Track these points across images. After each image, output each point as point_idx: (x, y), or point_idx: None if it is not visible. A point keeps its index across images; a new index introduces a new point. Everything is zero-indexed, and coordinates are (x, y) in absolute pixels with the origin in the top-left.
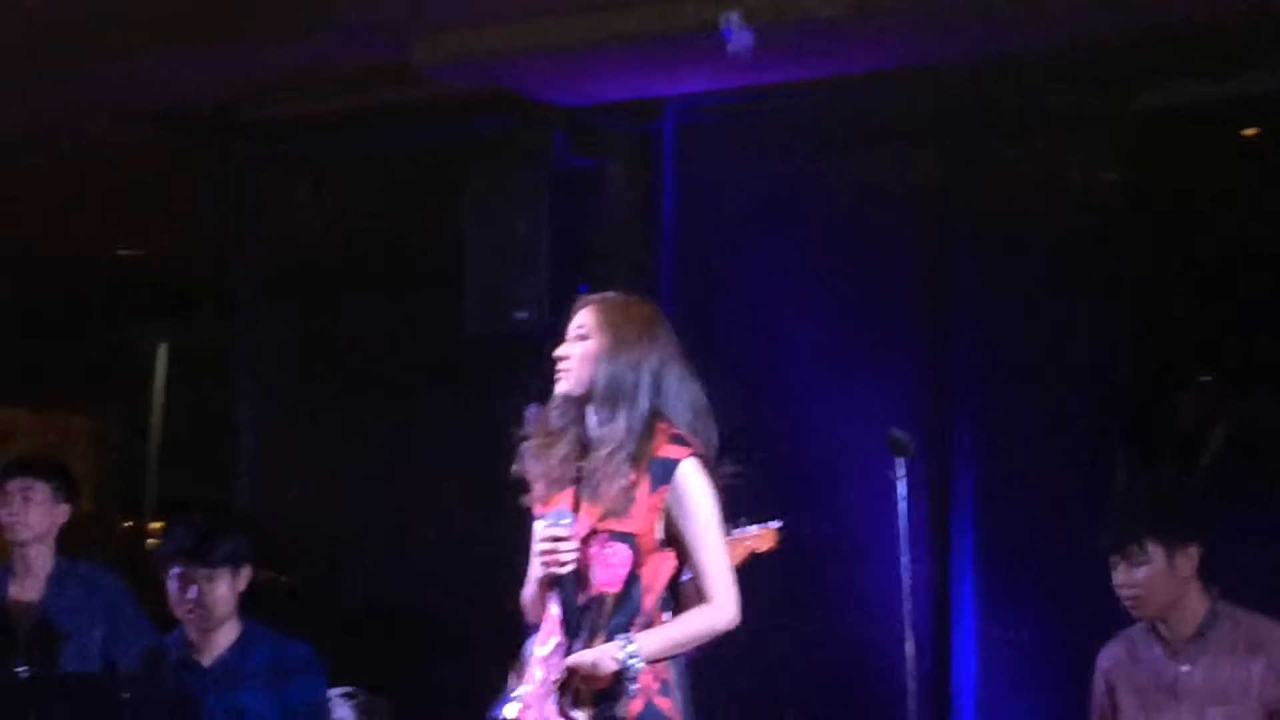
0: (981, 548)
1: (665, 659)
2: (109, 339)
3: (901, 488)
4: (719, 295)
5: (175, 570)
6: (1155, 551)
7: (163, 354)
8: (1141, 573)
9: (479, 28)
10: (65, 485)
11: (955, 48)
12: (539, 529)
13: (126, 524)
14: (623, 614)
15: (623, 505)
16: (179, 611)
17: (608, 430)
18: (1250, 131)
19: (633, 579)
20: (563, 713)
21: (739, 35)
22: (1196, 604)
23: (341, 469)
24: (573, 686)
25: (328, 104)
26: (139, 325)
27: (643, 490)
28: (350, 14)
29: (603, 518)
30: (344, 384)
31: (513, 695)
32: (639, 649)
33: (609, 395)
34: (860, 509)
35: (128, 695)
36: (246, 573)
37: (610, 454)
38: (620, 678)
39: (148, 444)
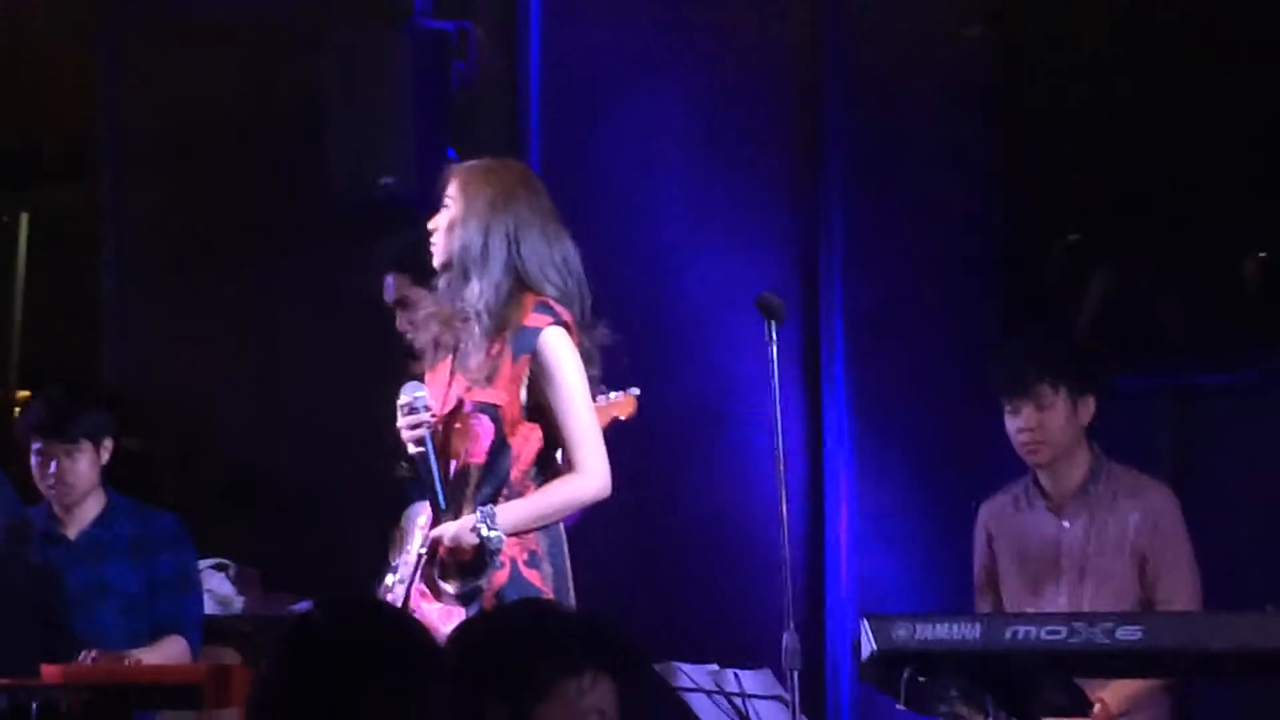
0: (855, 407)
1: (531, 530)
2: None
3: (772, 350)
4: (587, 159)
5: (36, 445)
6: (1061, 396)
7: (24, 223)
8: (1045, 416)
9: None
10: None
11: None
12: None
13: None
14: (489, 485)
15: (485, 375)
16: (41, 486)
17: (466, 299)
18: None
19: (499, 449)
20: (430, 584)
21: None
22: (1082, 458)
23: (207, 337)
24: (439, 558)
25: None
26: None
27: (505, 359)
28: None
29: (469, 388)
30: (209, 251)
31: (395, 567)
32: (498, 520)
33: (461, 263)
34: (732, 372)
35: None
36: (108, 445)
37: (467, 323)
38: (481, 550)
39: (11, 315)
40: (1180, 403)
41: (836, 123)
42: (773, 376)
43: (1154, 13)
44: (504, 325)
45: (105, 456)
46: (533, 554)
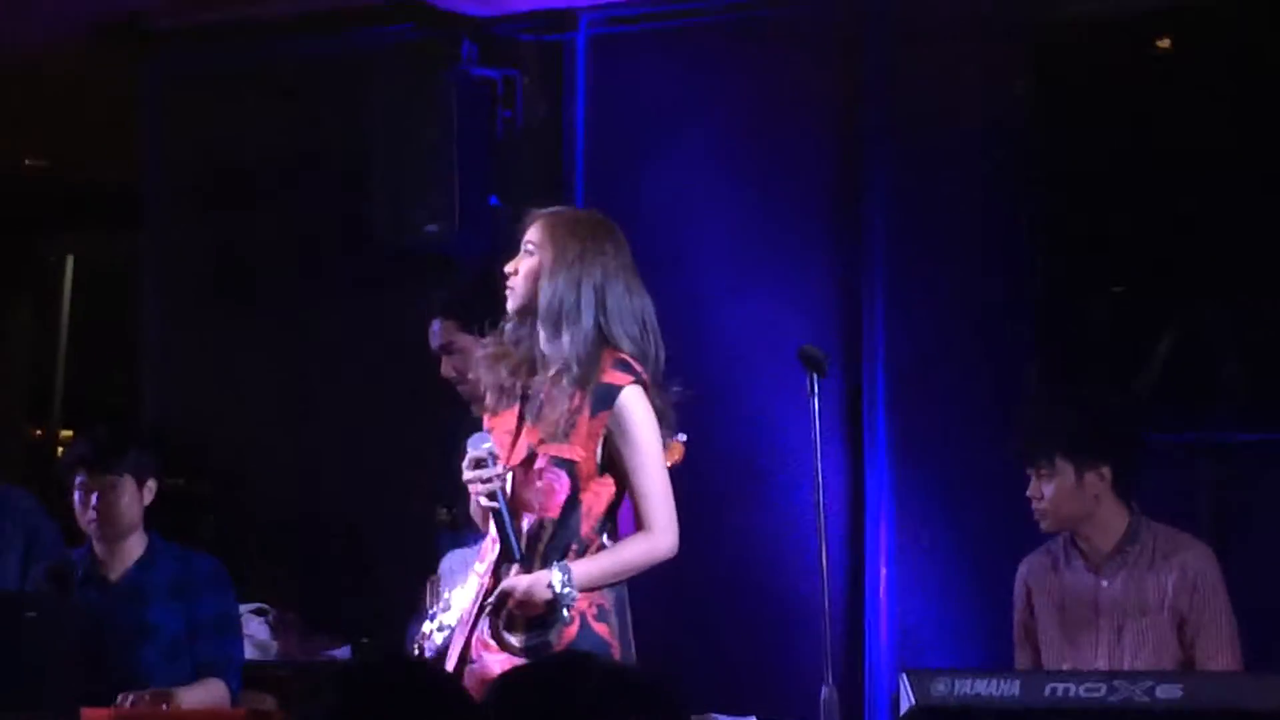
0: (895, 458)
1: (601, 586)
2: (15, 250)
3: (814, 402)
4: (630, 208)
5: (79, 479)
6: (1064, 467)
7: (70, 264)
8: (1049, 487)
9: None
10: None
11: None
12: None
13: (37, 433)
14: (560, 540)
15: (564, 430)
16: (83, 522)
17: (553, 350)
18: (1163, 44)
19: (571, 505)
20: (496, 636)
21: None
22: (1115, 520)
23: (249, 380)
24: (506, 610)
25: (236, 12)
26: (46, 235)
27: (584, 415)
28: None
29: (543, 441)
30: (253, 294)
31: (432, 614)
32: (574, 577)
33: (551, 313)
34: (773, 423)
35: (33, 614)
36: (151, 485)
37: (555, 376)
38: (554, 605)
39: (56, 355)
40: (1221, 460)
41: (878, 173)
42: (814, 428)
43: (1200, 64)
44: (586, 380)
45: (148, 497)
46: (601, 608)
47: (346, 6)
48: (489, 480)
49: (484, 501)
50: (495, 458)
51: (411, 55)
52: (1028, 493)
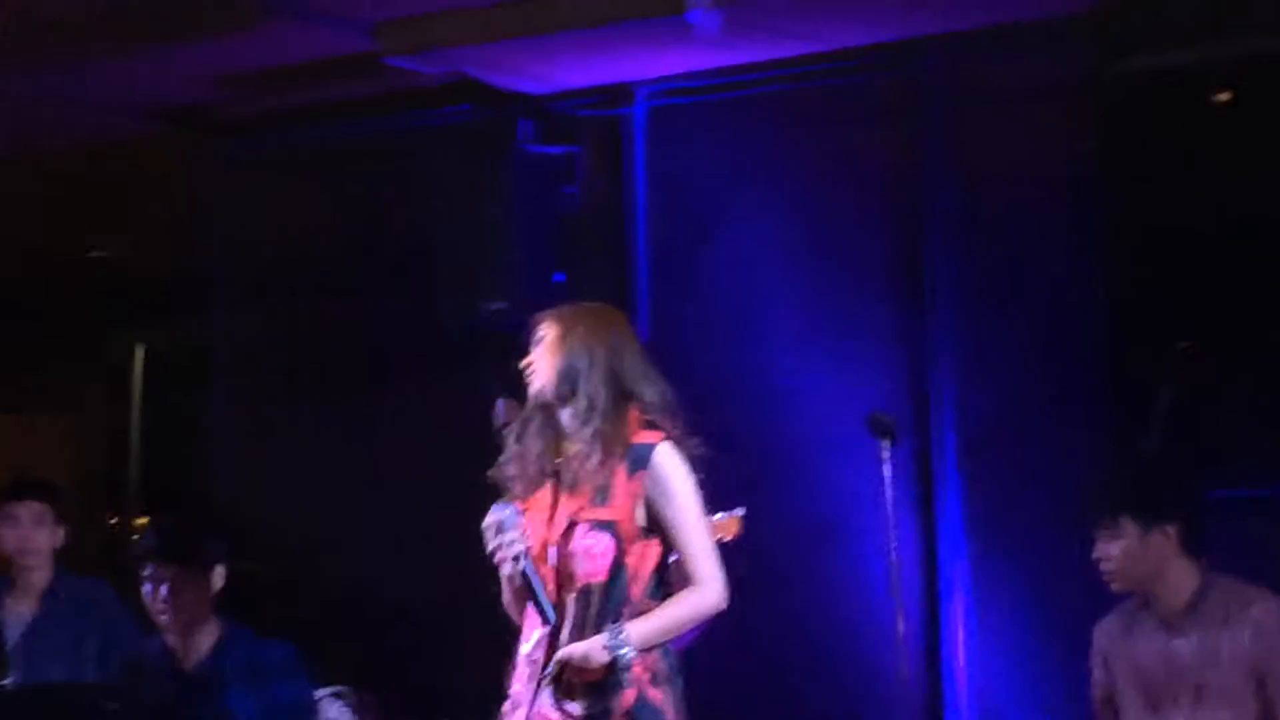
0: (969, 523)
1: (656, 647)
2: (85, 341)
3: (887, 470)
4: (695, 280)
5: (147, 570)
6: (1129, 528)
7: (140, 354)
8: (1115, 547)
9: (441, 15)
10: (62, 505)
11: (925, 20)
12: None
13: (112, 521)
14: (612, 603)
15: (601, 493)
16: (154, 613)
17: (574, 416)
18: (1224, 97)
19: (618, 568)
20: (557, 706)
21: (706, 17)
22: (1185, 578)
23: (319, 462)
24: (564, 680)
25: (295, 99)
26: (116, 326)
27: (619, 477)
28: (316, 5)
29: (582, 508)
30: (320, 378)
31: (511, 694)
32: (629, 638)
33: (569, 377)
34: (844, 490)
35: (114, 705)
36: (220, 572)
37: (584, 443)
38: (612, 669)
39: (129, 443)
40: None
41: (942, 236)
42: (886, 494)
43: (1264, 119)
44: (615, 442)
45: (218, 583)
46: (655, 674)
47: (405, 88)
48: (513, 543)
49: (509, 568)
50: (518, 516)
51: (470, 135)
52: (1095, 554)
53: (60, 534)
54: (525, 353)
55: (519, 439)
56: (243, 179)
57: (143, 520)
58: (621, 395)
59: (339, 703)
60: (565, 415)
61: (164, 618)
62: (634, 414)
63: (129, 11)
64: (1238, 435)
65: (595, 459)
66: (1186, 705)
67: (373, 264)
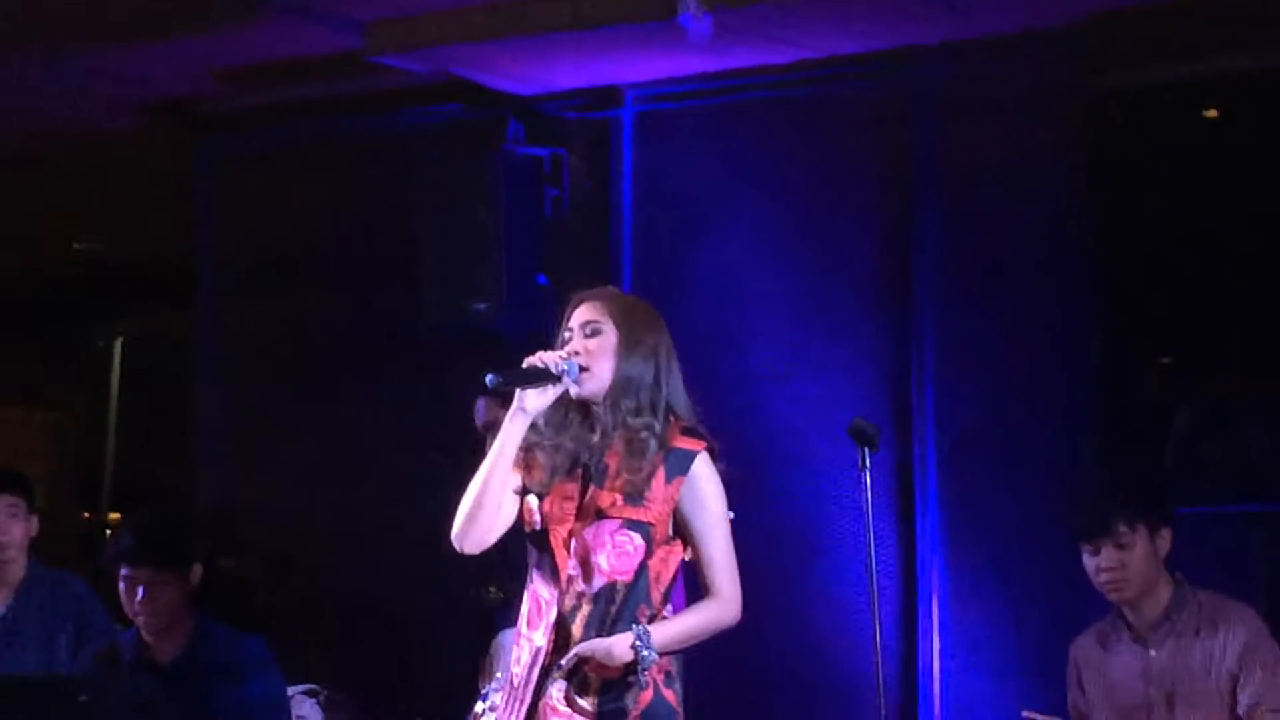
0: (948, 532)
1: (674, 651)
2: (65, 333)
3: (867, 477)
4: (679, 285)
5: (123, 572)
6: (1140, 533)
7: (119, 347)
8: (1127, 555)
9: (429, 15)
10: (34, 497)
11: (917, 30)
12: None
13: (86, 516)
14: (631, 603)
15: (637, 493)
16: (129, 612)
17: (627, 420)
18: (1211, 113)
19: (642, 569)
20: (569, 700)
21: (697, 21)
22: (1162, 588)
23: (299, 460)
24: (581, 674)
25: (283, 95)
26: (95, 319)
27: (659, 480)
28: (305, 2)
29: (614, 504)
30: (302, 375)
31: (484, 694)
32: (653, 639)
33: (631, 387)
34: (824, 498)
35: (85, 697)
36: (197, 570)
37: (629, 443)
38: (632, 668)
39: (106, 438)
40: (1275, 528)
41: (927, 246)
42: (866, 503)
43: (1255, 139)
44: (660, 446)
45: (194, 581)
46: (669, 674)
47: (393, 87)
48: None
49: (553, 356)
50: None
51: (458, 135)
52: (1101, 564)
53: (34, 525)
54: (514, 351)
55: (557, 430)
56: (229, 175)
57: (115, 515)
58: (667, 407)
59: (311, 700)
60: (612, 413)
61: (141, 618)
62: (673, 419)
63: (117, 6)
64: (1205, 451)
65: (638, 464)
66: (1160, 717)
67: (358, 261)
